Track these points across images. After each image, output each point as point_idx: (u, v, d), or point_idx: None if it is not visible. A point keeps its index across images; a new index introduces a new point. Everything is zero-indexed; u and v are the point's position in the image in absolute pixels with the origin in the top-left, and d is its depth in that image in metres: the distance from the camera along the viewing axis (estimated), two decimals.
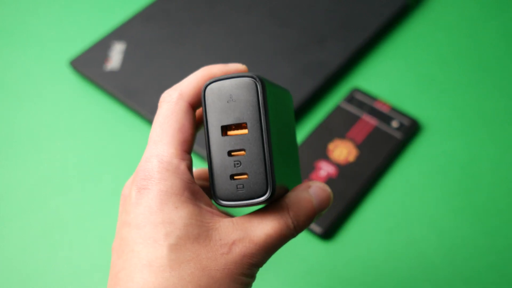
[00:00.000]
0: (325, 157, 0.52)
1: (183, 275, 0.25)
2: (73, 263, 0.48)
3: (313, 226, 0.48)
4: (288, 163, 0.30)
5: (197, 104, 0.29)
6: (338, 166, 0.52)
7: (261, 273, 0.46)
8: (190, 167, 0.28)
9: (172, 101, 0.29)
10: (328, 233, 0.48)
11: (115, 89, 0.58)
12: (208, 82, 0.27)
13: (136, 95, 0.57)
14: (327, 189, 0.29)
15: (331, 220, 0.48)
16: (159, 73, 0.59)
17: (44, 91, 0.60)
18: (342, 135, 0.54)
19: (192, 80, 0.29)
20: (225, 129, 0.27)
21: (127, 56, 0.61)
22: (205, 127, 0.27)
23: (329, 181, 0.51)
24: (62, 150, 0.55)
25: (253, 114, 0.26)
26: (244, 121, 0.26)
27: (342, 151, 0.53)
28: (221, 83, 0.27)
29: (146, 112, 0.56)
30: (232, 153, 0.27)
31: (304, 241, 0.48)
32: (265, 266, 0.47)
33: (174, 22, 0.64)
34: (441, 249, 0.47)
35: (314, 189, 0.29)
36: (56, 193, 0.52)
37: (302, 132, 0.56)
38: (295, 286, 0.46)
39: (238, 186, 0.27)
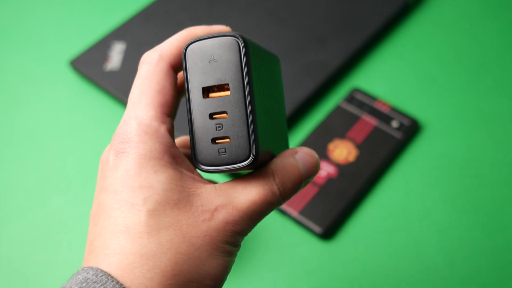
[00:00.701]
0: (325, 157, 0.52)
1: (162, 241, 0.24)
2: (73, 263, 0.47)
3: (313, 226, 0.48)
4: (274, 128, 0.28)
5: (178, 65, 0.28)
6: (338, 166, 0.52)
7: (261, 273, 0.46)
8: (170, 131, 0.27)
9: (152, 63, 0.27)
10: (328, 233, 0.48)
11: (115, 89, 0.58)
12: (189, 42, 0.26)
13: None
14: (314, 155, 0.28)
15: (331, 220, 0.48)
16: None
17: (44, 91, 0.60)
18: (342, 135, 0.54)
19: (173, 41, 0.28)
20: (206, 91, 0.26)
21: (127, 56, 0.61)
22: (186, 89, 0.26)
23: (329, 181, 0.51)
24: (62, 150, 0.55)
25: (235, 74, 0.25)
26: (226, 82, 0.25)
27: (342, 151, 0.53)
28: (202, 42, 0.26)
29: None
30: (214, 116, 0.26)
31: (304, 241, 0.48)
32: (265, 265, 0.47)
33: (174, 22, 0.64)
34: (441, 249, 0.47)
35: (300, 155, 0.28)
36: (56, 193, 0.52)
37: (302, 132, 0.56)
38: (295, 286, 0.46)
39: (220, 150, 0.25)
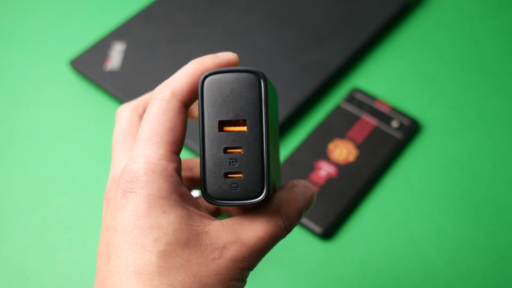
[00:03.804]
0: (325, 157, 0.52)
1: (173, 282, 0.24)
2: (73, 263, 0.47)
3: (313, 226, 0.48)
4: (277, 161, 0.29)
5: (190, 102, 0.28)
6: (338, 166, 0.52)
7: (261, 273, 0.46)
8: (178, 169, 0.27)
9: (164, 99, 0.27)
10: (328, 233, 0.48)
11: (115, 89, 0.58)
12: (207, 73, 0.26)
13: (136, 95, 0.57)
14: (311, 187, 0.29)
15: (331, 220, 0.48)
16: (159, 73, 0.59)
17: (44, 91, 0.60)
18: (342, 135, 0.54)
19: (184, 76, 0.28)
20: (222, 125, 0.26)
21: (127, 56, 0.61)
22: (201, 120, 0.26)
23: (329, 181, 0.51)
24: (62, 150, 0.55)
25: (254, 111, 0.25)
26: (244, 117, 0.25)
27: (342, 151, 0.53)
28: (222, 76, 0.26)
29: None
30: (228, 150, 0.26)
31: (304, 241, 0.48)
32: (264, 266, 0.47)
33: (174, 22, 0.64)
34: (441, 249, 0.47)
35: (300, 188, 0.28)
36: (56, 193, 0.52)
37: (302, 132, 0.56)
38: (295, 286, 0.46)
39: (232, 185, 0.26)
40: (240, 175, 0.26)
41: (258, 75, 0.25)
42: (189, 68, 0.28)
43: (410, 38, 0.64)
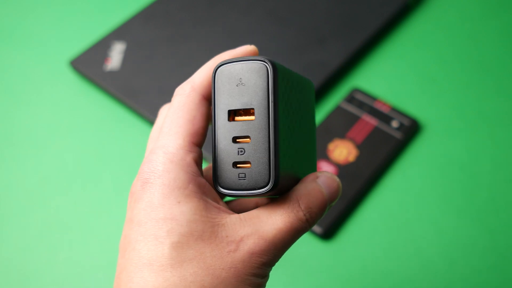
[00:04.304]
0: (325, 157, 0.52)
1: (185, 274, 0.24)
2: (73, 263, 0.47)
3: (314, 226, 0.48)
4: (300, 152, 0.28)
5: (210, 94, 0.28)
6: (338, 166, 0.52)
7: None
8: (197, 160, 0.27)
9: (184, 94, 0.27)
10: (328, 233, 0.48)
11: (115, 89, 0.58)
12: (219, 64, 0.26)
13: (136, 95, 0.57)
14: (336, 178, 0.28)
15: (331, 220, 0.48)
16: (159, 73, 0.59)
17: (44, 91, 0.60)
18: (342, 135, 0.54)
19: (204, 72, 0.28)
20: (232, 114, 0.26)
21: (127, 56, 0.61)
22: (213, 110, 0.26)
23: None
24: (62, 150, 0.55)
25: (262, 99, 0.25)
26: (252, 106, 0.25)
27: (342, 151, 0.53)
28: (232, 65, 0.26)
29: (146, 112, 0.56)
30: (237, 140, 0.25)
31: (304, 241, 0.48)
32: None
33: (174, 22, 0.64)
34: (440, 249, 0.47)
35: (322, 179, 0.27)
36: (56, 193, 0.52)
37: None
38: (295, 286, 0.46)
39: (240, 175, 0.25)
40: (248, 165, 0.25)
41: (266, 63, 0.25)
42: (209, 64, 0.28)
43: (410, 38, 0.64)
